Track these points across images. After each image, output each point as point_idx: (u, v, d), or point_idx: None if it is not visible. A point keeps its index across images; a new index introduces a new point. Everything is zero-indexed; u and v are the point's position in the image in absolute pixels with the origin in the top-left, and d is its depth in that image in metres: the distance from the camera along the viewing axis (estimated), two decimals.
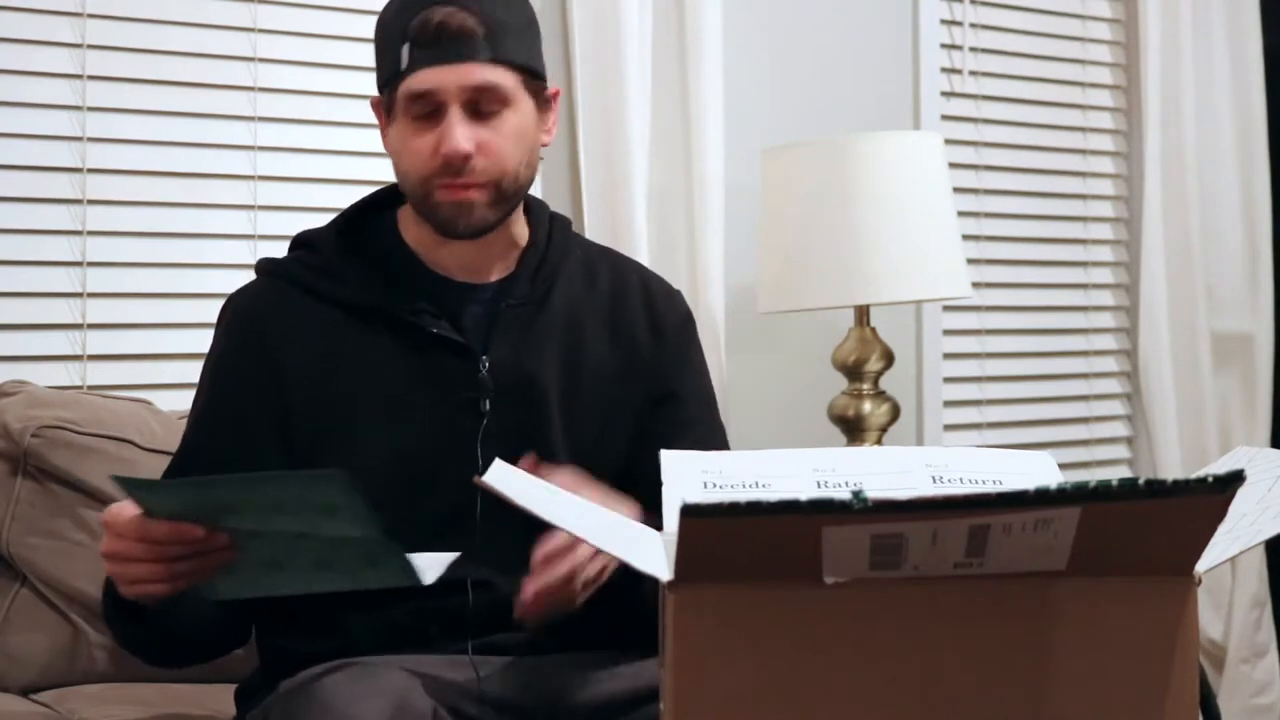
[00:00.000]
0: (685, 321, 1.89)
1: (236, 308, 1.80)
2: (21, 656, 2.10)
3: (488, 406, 1.72)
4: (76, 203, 2.44)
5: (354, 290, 1.75)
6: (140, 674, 2.05)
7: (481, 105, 1.69)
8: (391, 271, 1.77)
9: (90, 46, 2.44)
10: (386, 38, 1.72)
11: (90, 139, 2.44)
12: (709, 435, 1.83)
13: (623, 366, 1.81)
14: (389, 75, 1.71)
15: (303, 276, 1.77)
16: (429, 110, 1.69)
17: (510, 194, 1.73)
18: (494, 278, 1.79)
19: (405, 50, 1.67)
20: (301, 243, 1.82)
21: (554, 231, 1.83)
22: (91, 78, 2.44)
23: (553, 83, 1.80)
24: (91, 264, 2.44)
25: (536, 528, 1.65)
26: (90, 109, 2.44)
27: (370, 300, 1.74)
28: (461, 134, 1.67)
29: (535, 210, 1.85)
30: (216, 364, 1.79)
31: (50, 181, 2.43)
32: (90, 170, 2.44)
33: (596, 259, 1.87)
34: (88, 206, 2.44)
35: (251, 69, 2.58)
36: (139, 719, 1.93)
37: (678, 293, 1.92)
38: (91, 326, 2.44)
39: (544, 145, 1.78)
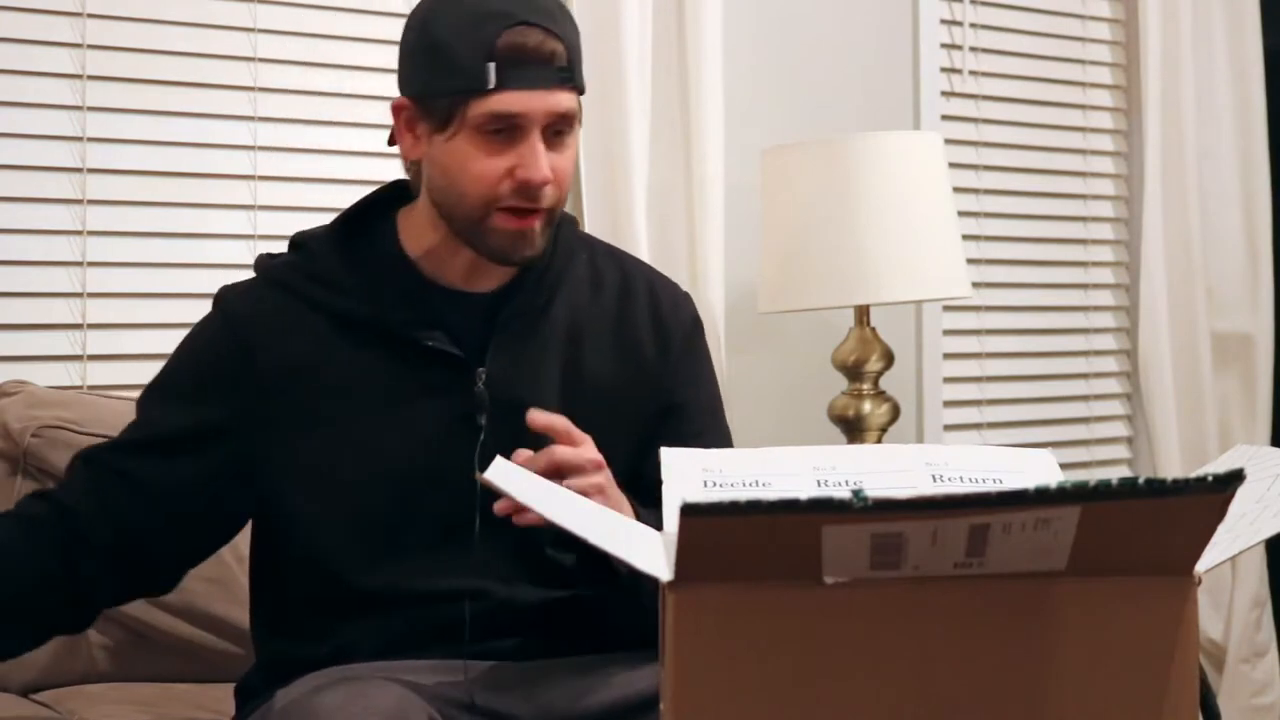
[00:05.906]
0: (692, 329, 1.84)
1: (228, 311, 1.74)
2: (21, 656, 2.10)
3: (484, 420, 1.68)
4: (76, 203, 2.43)
5: (347, 300, 1.70)
6: (140, 674, 2.05)
7: (554, 131, 1.65)
8: (387, 280, 1.72)
9: (90, 46, 2.44)
10: (458, 48, 1.62)
11: (90, 139, 2.44)
12: (715, 446, 1.79)
13: (626, 378, 1.77)
14: (459, 89, 1.63)
15: (295, 283, 1.73)
16: (505, 131, 1.64)
17: (557, 218, 1.72)
18: (494, 286, 1.74)
19: (491, 68, 1.61)
20: (298, 244, 1.77)
21: (559, 236, 1.77)
22: (91, 78, 2.44)
23: None
24: (91, 264, 2.44)
25: (535, 540, 1.66)
26: (90, 109, 2.44)
27: (363, 312, 1.70)
28: (545, 161, 1.64)
29: None
30: (195, 353, 1.75)
31: (50, 181, 2.42)
32: (90, 170, 2.44)
33: (603, 263, 1.82)
34: (88, 206, 2.44)
35: (251, 69, 2.58)
36: (139, 719, 1.93)
37: (686, 296, 1.87)
38: (91, 326, 2.44)
39: None
